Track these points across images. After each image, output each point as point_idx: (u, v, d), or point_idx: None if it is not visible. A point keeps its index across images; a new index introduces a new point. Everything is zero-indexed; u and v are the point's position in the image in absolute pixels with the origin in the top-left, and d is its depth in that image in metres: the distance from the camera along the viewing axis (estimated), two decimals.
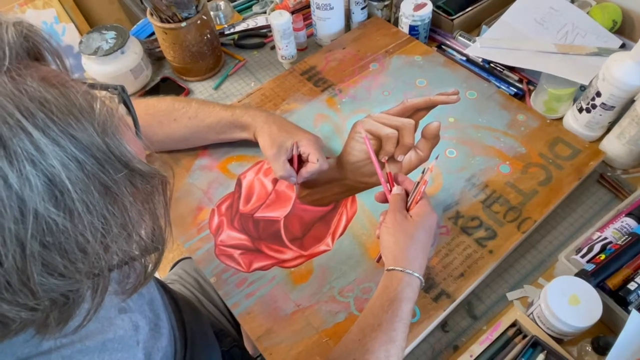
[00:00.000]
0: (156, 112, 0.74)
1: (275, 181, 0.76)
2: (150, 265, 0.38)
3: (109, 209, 0.31)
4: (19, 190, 0.27)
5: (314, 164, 0.69)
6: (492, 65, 0.92)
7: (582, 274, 0.60)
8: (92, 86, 0.36)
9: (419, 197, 0.60)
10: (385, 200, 0.63)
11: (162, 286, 0.66)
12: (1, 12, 0.35)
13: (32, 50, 0.33)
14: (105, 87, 0.38)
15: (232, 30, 1.03)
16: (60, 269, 0.30)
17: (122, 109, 0.39)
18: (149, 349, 0.46)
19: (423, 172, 0.63)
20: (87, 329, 0.39)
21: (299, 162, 0.71)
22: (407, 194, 0.62)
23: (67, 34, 1.88)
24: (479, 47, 0.92)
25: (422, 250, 0.58)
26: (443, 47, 0.97)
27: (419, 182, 0.60)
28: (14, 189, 0.26)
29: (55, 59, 0.35)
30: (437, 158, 0.61)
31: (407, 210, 0.61)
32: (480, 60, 0.92)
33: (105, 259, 0.32)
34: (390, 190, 0.63)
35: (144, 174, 0.33)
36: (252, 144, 0.76)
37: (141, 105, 0.74)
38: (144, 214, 0.34)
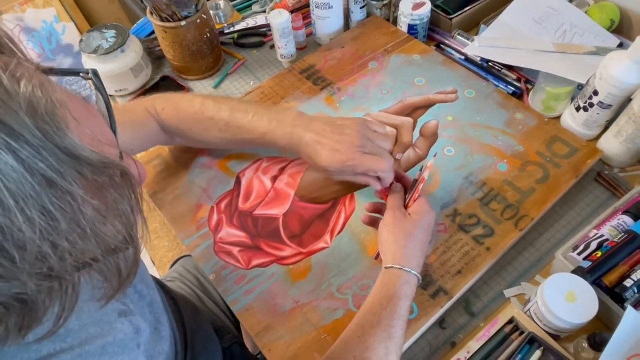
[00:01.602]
0: (185, 116, 0.70)
1: (274, 179, 0.76)
2: (124, 268, 0.35)
3: (54, 202, 0.27)
4: None
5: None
6: (490, 64, 0.92)
7: (579, 271, 0.61)
8: (64, 72, 0.35)
9: (417, 196, 0.61)
10: (370, 222, 0.66)
11: (162, 287, 0.66)
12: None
13: None
14: (76, 72, 0.36)
15: (231, 30, 1.04)
16: None
17: (101, 100, 0.37)
18: (151, 351, 0.46)
19: (421, 170, 0.63)
20: (87, 333, 0.39)
21: None
22: (405, 192, 0.62)
23: (68, 33, 1.89)
24: (478, 47, 0.93)
25: (420, 249, 0.58)
26: (442, 46, 0.98)
27: (417, 180, 0.61)
28: None
29: (6, 40, 0.32)
30: (435, 156, 0.61)
31: (406, 208, 0.61)
32: (479, 59, 0.93)
33: (55, 258, 0.28)
34: (386, 191, 0.64)
35: (93, 164, 0.29)
36: None
37: (172, 107, 0.70)
38: (101, 209, 0.30)
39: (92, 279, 0.33)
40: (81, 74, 0.36)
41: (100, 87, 0.36)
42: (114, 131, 0.36)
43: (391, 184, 0.63)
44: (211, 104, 0.69)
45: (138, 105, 0.71)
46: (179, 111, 0.69)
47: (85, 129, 0.31)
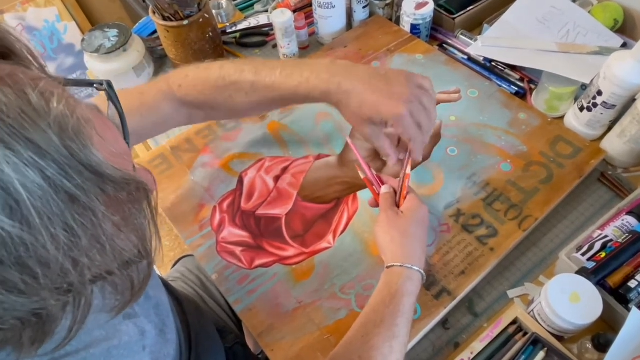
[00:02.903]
0: (205, 87, 0.64)
1: (276, 179, 0.76)
2: (137, 280, 0.35)
3: (77, 219, 0.27)
4: None
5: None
6: (493, 64, 0.92)
7: (582, 271, 0.60)
8: (77, 82, 0.34)
9: (405, 192, 0.61)
10: (377, 204, 0.63)
11: (166, 287, 0.66)
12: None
13: None
14: (90, 83, 0.36)
15: (234, 29, 1.04)
16: (19, 285, 0.27)
17: (111, 107, 0.36)
18: (156, 353, 0.46)
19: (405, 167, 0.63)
20: (91, 336, 0.39)
21: None
22: (395, 192, 0.62)
23: (69, 32, 1.89)
24: (481, 46, 0.92)
25: (418, 244, 0.58)
26: (444, 45, 0.97)
27: (402, 177, 0.61)
28: None
29: (28, 55, 0.32)
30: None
31: (398, 206, 0.61)
32: (482, 59, 0.92)
33: (75, 274, 0.28)
34: (377, 197, 0.64)
35: (115, 181, 0.29)
36: (254, 141, 0.77)
37: (188, 81, 0.65)
38: (121, 224, 0.31)
39: (104, 290, 0.33)
40: (95, 85, 0.36)
41: (114, 99, 0.36)
42: (127, 143, 0.36)
43: (380, 187, 0.63)
44: (232, 68, 0.62)
45: (151, 88, 0.66)
46: (197, 83, 0.64)
47: (108, 146, 0.31)
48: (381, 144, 0.59)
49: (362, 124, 0.57)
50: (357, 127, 0.59)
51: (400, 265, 0.56)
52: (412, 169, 0.66)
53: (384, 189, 0.62)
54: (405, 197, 0.61)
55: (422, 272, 0.57)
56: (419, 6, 0.93)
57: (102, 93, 0.37)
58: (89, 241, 0.28)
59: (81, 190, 0.27)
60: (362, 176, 0.63)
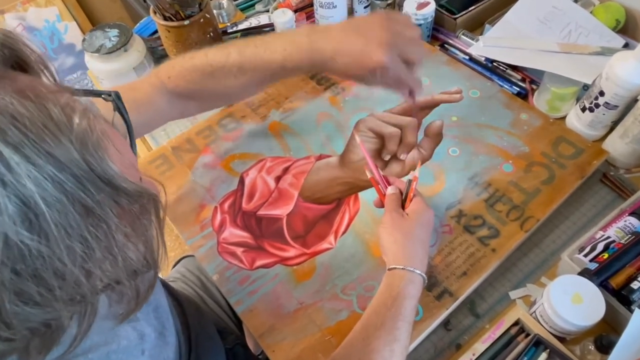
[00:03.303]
0: (194, 76, 0.64)
1: (278, 179, 0.76)
2: (142, 289, 0.35)
3: (91, 231, 0.28)
4: None
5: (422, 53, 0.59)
6: (495, 64, 0.91)
7: (585, 272, 0.60)
8: (85, 93, 0.34)
9: (412, 195, 0.60)
10: (383, 205, 0.63)
11: (166, 288, 0.66)
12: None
13: (13, 59, 0.31)
14: (98, 93, 0.36)
15: (234, 29, 1.03)
16: (35, 297, 0.27)
17: (116, 117, 0.37)
18: (156, 357, 0.45)
19: (414, 169, 0.63)
20: (90, 341, 0.39)
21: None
22: (401, 193, 0.62)
23: (70, 32, 1.89)
24: (482, 46, 0.92)
25: (421, 247, 0.58)
26: (446, 46, 0.97)
27: (410, 180, 0.60)
28: None
29: (41, 66, 0.32)
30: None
31: (403, 208, 0.61)
32: (483, 59, 0.92)
33: (88, 285, 0.29)
34: (383, 196, 0.63)
35: (129, 193, 0.30)
36: (255, 141, 0.76)
37: (176, 72, 0.65)
38: (131, 235, 0.31)
39: (110, 299, 0.34)
40: (103, 96, 0.36)
41: (122, 110, 0.36)
42: (135, 153, 0.37)
43: (386, 187, 0.63)
44: (217, 54, 0.63)
45: (142, 83, 0.66)
46: (186, 73, 0.64)
47: (124, 159, 0.32)
48: (386, 86, 0.58)
49: (358, 81, 0.58)
50: (358, 82, 0.59)
51: (403, 268, 0.56)
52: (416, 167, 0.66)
53: (390, 190, 0.62)
54: (412, 200, 0.60)
55: (424, 275, 0.56)
56: (420, 6, 0.92)
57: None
58: (102, 253, 0.29)
59: (97, 203, 0.28)
60: (368, 175, 0.62)
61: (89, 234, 0.28)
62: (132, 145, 0.37)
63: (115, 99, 0.36)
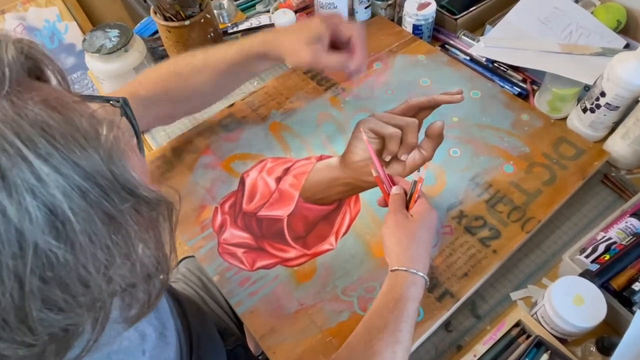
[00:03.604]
0: (161, 78, 0.70)
1: (278, 180, 0.76)
2: (154, 293, 0.36)
3: (113, 239, 0.29)
4: (17, 224, 0.25)
5: (357, 28, 0.69)
6: (495, 64, 0.91)
7: (586, 274, 0.60)
8: (93, 98, 0.35)
9: (417, 196, 0.60)
10: (387, 204, 0.63)
11: (167, 289, 0.66)
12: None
13: (33, 68, 0.32)
14: (106, 99, 0.36)
15: (235, 29, 1.03)
16: (60, 303, 0.28)
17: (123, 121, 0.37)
18: (156, 357, 0.45)
19: (419, 170, 0.63)
20: (74, 355, 0.39)
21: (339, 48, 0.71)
22: (405, 194, 0.62)
23: (70, 32, 1.88)
24: (483, 47, 0.92)
25: (424, 249, 0.58)
26: (447, 46, 0.97)
27: (416, 181, 0.60)
28: (12, 223, 0.25)
29: (57, 76, 0.33)
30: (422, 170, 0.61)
31: (407, 209, 0.61)
32: (484, 59, 0.92)
33: (108, 291, 0.30)
34: (387, 196, 0.63)
35: (150, 201, 0.31)
36: (255, 142, 0.76)
37: (146, 77, 0.71)
38: (148, 241, 0.32)
39: (122, 302, 0.34)
40: (111, 102, 0.36)
41: (130, 116, 0.37)
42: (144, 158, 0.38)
43: (391, 187, 0.62)
44: (185, 56, 0.72)
45: (119, 92, 0.68)
46: (156, 78, 0.70)
47: (143, 167, 0.33)
48: (329, 61, 0.68)
49: (304, 63, 0.68)
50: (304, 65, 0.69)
51: (405, 270, 0.55)
52: (417, 168, 0.66)
53: (394, 190, 0.61)
54: (416, 201, 0.60)
55: (426, 277, 0.56)
56: (421, 7, 0.92)
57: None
58: (122, 259, 0.30)
59: (119, 211, 0.29)
60: (374, 174, 0.62)
61: (111, 241, 0.29)
62: (141, 150, 0.37)
63: (124, 104, 0.37)
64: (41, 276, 0.26)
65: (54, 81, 0.33)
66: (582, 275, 0.60)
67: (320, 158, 0.78)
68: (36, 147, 0.26)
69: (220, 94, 0.79)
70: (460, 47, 0.96)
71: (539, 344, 0.58)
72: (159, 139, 0.88)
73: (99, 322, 0.31)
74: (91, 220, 0.27)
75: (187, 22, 0.86)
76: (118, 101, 0.37)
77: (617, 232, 0.66)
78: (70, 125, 0.27)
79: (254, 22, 1.04)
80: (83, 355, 0.33)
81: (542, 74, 0.84)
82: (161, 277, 0.36)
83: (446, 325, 0.65)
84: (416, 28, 0.94)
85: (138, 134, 0.37)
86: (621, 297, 0.59)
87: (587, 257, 0.64)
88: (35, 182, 0.25)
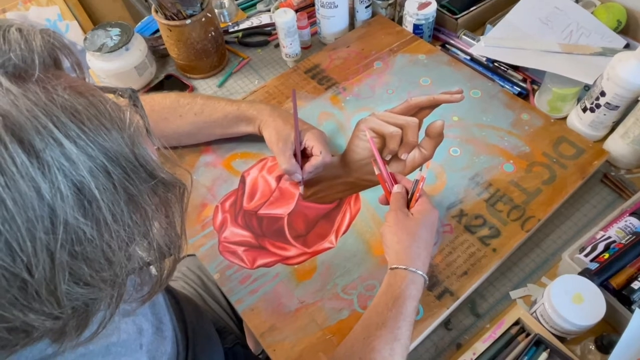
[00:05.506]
0: (161, 109, 0.74)
1: (279, 178, 0.76)
2: (165, 272, 0.38)
3: (133, 217, 0.31)
4: (50, 201, 0.27)
5: (318, 157, 0.69)
6: (496, 64, 0.92)
7: (585, 272, 0.60)
8: (101, 89, 0.35)
9: (418, 195, 0.60)
10: (388, 202, 0.63)
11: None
12: (28, 19, 0.35)
13: (56, 58, 0.33)
14: (113, 90, 0.37)
15: (236, 28, 1.04)
16: (86, 277, 0.30)
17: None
18: (153, 352, 0.46)
19: (420, 169, 0.63)
20: (91, 330, 0.39)
21: (303, 157, 0.71)
22: (407, 192, 0.62)
23: (71, 31, 1.88)
24: (483, 46, 0.92)
25: (424, 248, 0.58)
26: (447, 46, 0.97)
27: (417, 180, 0.60)
28: (46, 200, 0.27)
29: (75, 67, 0.35)
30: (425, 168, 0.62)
31: (408, 208, 0.61)
32: (485, 59, 0.92)
33: (128, 268, 0.32)
34: (388, 193, 0.63)
35: (167, 183, 0.34)
36: (256, 141, 0.76)
37: (146, 101, 0.73)
38: (162, 221, 0.35)
39: (133, 282, 0.36)
40: (118, 92, 0.37)
41: (139, 106, 0.38)
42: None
43: (392, 186, 0.63)
44: (186, 95, 0.77)
45: None
46: (154, 104, 0.74)
47: (155, 153, 0.35)
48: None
49: (274, 149, 0.71)
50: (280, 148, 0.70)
51: (405, 268, 0.56)
52: (417, 167, 0.66)
53: (396, 189, 0.62)
54: (418, 200, 0.60)
55: (426, 276, 0.57)
56: (422, 6, 0.92)
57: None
58: (140, 238, 0.32)
59: (139, 191, 0.31)
60: (376, 172, 0.62)
61: (131, 220, 0.31)
62: (150, 138, 0.38)
63: (132, 94, 0.38)
64: (70, 251, 0.28)
65: (72, 71, 0.34)
66: (581, 274, 0.60)
67: None
68: (67, 129, 0.28)
69: (202, 139, 0.81)
70: (461, 46, 0.96)
71: (539, 342, 0.59)
72: None
73: (115, 299, 0.33)
74: (115, 199, 0.29)
75: (188, 21, 0.86)
76: (126, 91, 0.38)
77: (617, 231, 0.66)
78: (96, 110, 0.29)
79: (254, 21, 1.05)
80: (99, 332, 0.34)
81: (542, 73, 0.85)
82: (171, 255, 0.37)
83: (446, 323, 0.65)
84: (417, 27, 0.95)
85: (147, 123, 0.38)
86: (620, 296, 0.59)
87: (586, 255, 0.64)
88: (65, 163, 0.27)
